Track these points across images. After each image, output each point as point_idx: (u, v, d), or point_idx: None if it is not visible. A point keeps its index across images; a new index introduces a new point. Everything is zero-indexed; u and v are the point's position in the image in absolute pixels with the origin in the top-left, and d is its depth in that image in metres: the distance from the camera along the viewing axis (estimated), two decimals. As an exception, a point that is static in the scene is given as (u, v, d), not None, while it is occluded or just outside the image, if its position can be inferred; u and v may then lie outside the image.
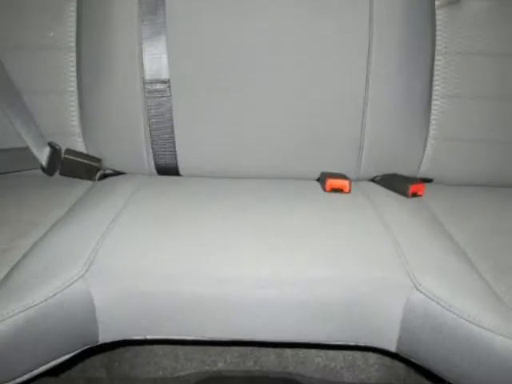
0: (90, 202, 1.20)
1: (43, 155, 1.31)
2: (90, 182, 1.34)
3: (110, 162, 1.37)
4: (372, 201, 1.21)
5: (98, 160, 1.35)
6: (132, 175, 1.36)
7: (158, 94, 1.27)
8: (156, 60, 1.26)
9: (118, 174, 1.39)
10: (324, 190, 1.26)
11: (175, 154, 1.32)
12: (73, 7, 1.29)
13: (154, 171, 1.35)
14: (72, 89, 1.31)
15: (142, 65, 1.26)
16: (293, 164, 1.33)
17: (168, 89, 1.27)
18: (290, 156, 1.31)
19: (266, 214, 1.12)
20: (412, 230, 1.09)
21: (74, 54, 1.30)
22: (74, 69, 1.30)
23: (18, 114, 1.28)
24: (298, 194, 1.23)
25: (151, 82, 1.26)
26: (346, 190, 1.25)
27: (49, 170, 1.32)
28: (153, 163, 1.33)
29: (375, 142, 1.29)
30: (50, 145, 1.32)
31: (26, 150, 1.29)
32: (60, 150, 1.33)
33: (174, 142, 1.30)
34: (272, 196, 1.21)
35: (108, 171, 1.39)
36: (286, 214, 1.12)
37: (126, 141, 1.32)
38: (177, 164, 1.33)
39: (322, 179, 1.29)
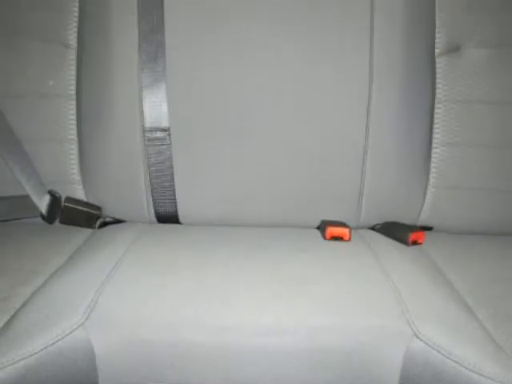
0: (90, 250, 1.22)
1: (43, 203, 1.33)
2: (90, 230, 1.36)
3: (110, 210, 1.39)
4: (372, 249, 1.23)
5: (98, 208, 1.38)
6: (132, 223, 1.38)
7: (158, 142, 1.30)
8: (156, 108, 1.29)
9: (118, 221, 1.41)
10: (324, 238, 1.28)
11: (175, 202, 1.34)
12: (73, 55, 1.32)
13: (154, 219, 1.37)
14: (72, 137, 1.33)
15: (142, 112, 1.29)
16: (293, 211, 1.35)
17: (168, 137, 1.30)
18: (291, 203, 1.33)
19: (267, 261, 1.14)
20: (412, 278, 1.11)
21: (73, 102, 1.32)
22: (73, 117, 1.33)
23: (18, 162, 1.30)
24: (298, 242, 1.25)
25: (151, 130, 1.29)
26: (346, 238, 1.27)
27: (49, 218, 1.34)
28: (153, 211, 1.35)
29: (375, 189, 1.31)
30: (50, 193, 1.34)
31: (26, 198, 1.31)
32: (60, 197, 1.35)
33: (174, 190, 1.33)
34: (272, 244, 1.23)
35: (108, 219, 1.41)
36: (287, 262, 1.14)
37: (125, 189, 1.35)
38: (177, 212, 1.35)
39: (322, 227, 1.31)
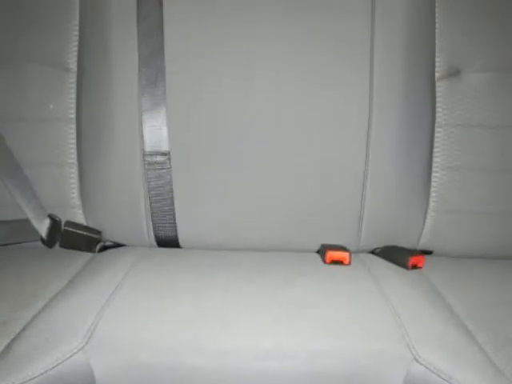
0: (90, 274, 1.23)
1: (43, 227, 1.33)
2: (90, 254, 1.37)
3: (110, 234, 1.40)
4: (372, 273, 1.24)
5: (98, 232, 1.39)
6: (132, 247, 1.39)
7: (158, 166, 1.31)
8: (156, 132, 1.30)
9: (118, 245, 1.42)
10: (324, 262, 1.29)
11: (175, 226, 1.35)
12: (73, 79, 1.33)
13: (154, 243, 1.38)
14: (72, 161, 1.34)
15: (142, 136, 1.30)
16: (293, 235, 1.36)
17: (168, 161, 1.31)
18: (291, 227, 1.35)
19: (267, 285, 1.15)
20: (412, 302, 1.11)
21: (74, 126, 1.34)
22: (73, 141, 1.34)
23: (18, 186, 1.31)
24: (298, 266, 1.26)
25: (151, 154, 1.30)
26: (346, 262, 1.28)
27: (49, 242, 1.35)
28: (153, 235, 1.36)
29: (375, 213, 1.33)
30: (50, 217, 1.35)
31: (26, 221, 1.32)
32: (60, 221, 1.36)
33: (174, 214, 1.34)
34: (272, 268, 1.24)
35: (108, 243, 1.42)
36: (287, 286, 1.15)
37: (125, 213, 1.36)
38: (177, 236, 1.36)
39: (321, 251, 1.32)
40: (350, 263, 1.28)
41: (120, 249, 1.40)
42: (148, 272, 1.22)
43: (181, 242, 1.38)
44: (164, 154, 1.31)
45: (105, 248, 1.41)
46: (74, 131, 1.34)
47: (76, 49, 1.34)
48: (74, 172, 1.35)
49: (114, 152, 1.32)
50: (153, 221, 1.35)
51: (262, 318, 1.03)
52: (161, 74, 1.29)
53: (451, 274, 1.27)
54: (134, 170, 1.32)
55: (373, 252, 1.39)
